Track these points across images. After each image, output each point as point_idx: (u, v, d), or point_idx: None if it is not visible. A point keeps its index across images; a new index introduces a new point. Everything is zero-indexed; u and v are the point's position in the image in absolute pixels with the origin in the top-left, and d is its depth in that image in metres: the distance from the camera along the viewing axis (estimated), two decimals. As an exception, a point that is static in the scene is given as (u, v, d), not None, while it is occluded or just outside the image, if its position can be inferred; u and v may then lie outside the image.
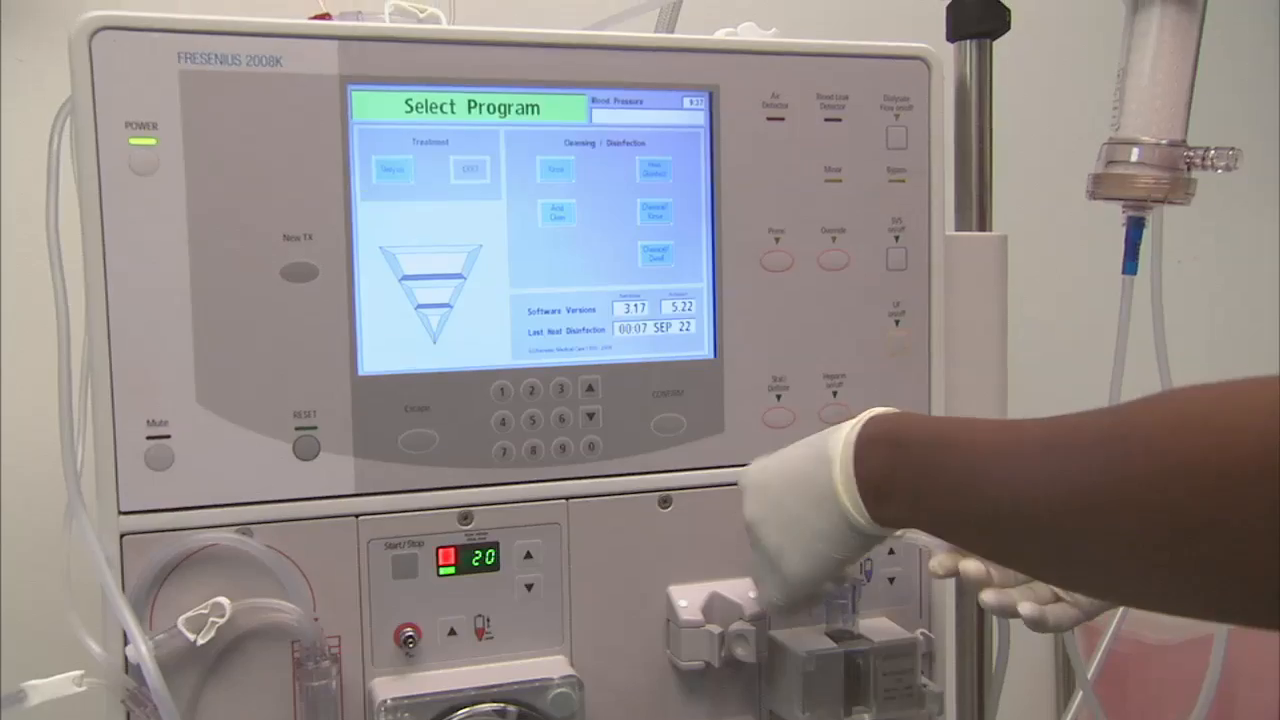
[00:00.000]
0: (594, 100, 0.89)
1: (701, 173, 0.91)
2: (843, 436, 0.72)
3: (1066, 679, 1.82)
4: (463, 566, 0.87)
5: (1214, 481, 0.50)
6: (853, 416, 0.74)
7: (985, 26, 1.06)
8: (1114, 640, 1.10)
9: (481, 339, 0.87)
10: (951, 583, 1.00)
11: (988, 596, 0.73)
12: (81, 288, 0.79)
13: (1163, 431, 0.54)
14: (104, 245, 0.78)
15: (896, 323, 0.96)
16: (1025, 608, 0.72)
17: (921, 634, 0.95)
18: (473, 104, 0.86)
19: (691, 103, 0.91)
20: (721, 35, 0.94)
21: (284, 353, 0.82)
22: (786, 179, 0.92)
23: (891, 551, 0.98)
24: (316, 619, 0.83)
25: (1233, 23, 1.77)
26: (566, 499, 0.89)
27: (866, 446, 0.71)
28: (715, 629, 0.89)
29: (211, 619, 0.79)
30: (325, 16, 0.90)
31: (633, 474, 0.90)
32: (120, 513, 0.79)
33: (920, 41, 0.96)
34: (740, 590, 0.90)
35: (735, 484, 0.83)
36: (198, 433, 0.80)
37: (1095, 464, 0.55)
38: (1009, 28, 1.06)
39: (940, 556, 0.76)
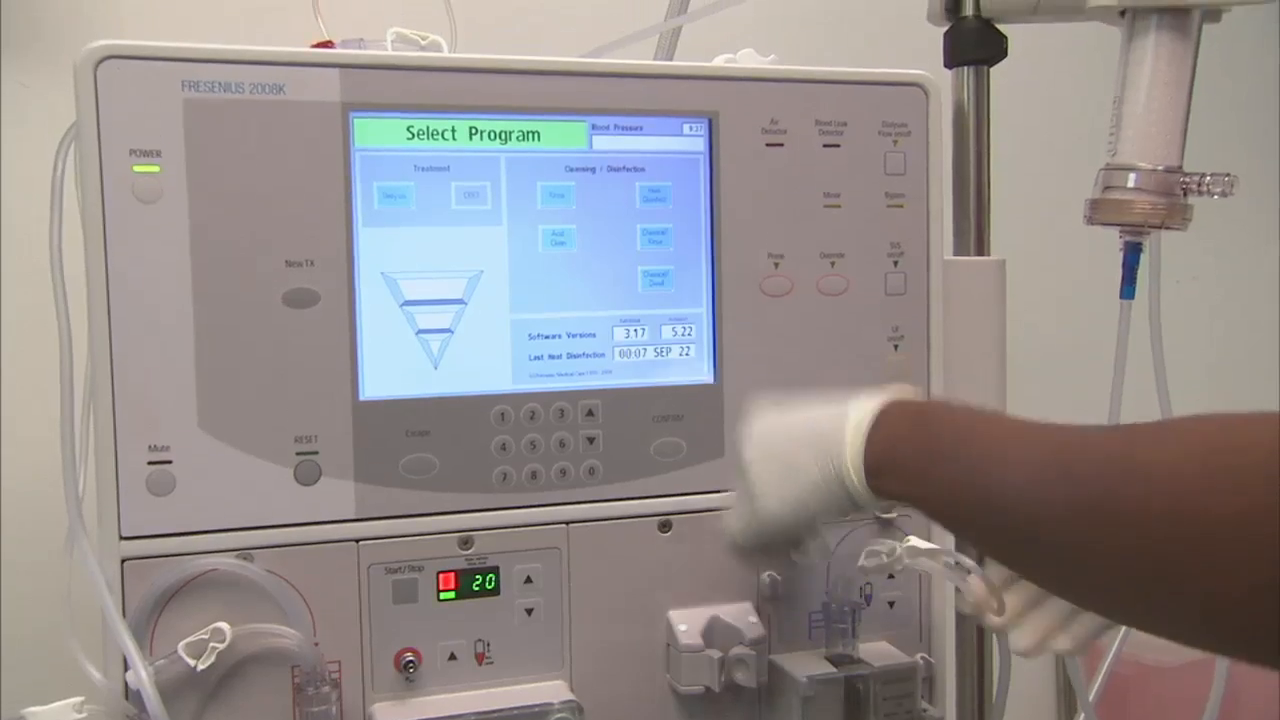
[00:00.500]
0: (594, 127, 0.89)
1: (701, 198, 0.92)
2: (867, 399, 0.72)
3: (1068, 701, 1.82)
4: (463, 591, 0.87)
5: (1214, 527, 0.50)
6: None
7: (983, 53, 1.06)
8: (1115, 662, 1.10)
9: (482, 364, 0.87)
10: (951, 606, 1.00)
11: (1020, 647, 0.73)
12: (84, 312, 0.79)
13: (1168, 465, 0.54)
14: (107, 271, 0.78)
15: (895, 347, 0.97)
16: (1062, 642, 0.72)
17: (921, 658, 0.95)
18: (474, 131, 0.86)
19: (691, 129, 0.91)
20: (721, 62, 0.94)
21: (285, 378, 0.82)
22: (786, 204, 0.93)
23: (892, 576, 0.98)
24: (317, 644, 0.83)
25: (1233, 43, 1.77)
26: (567, 524, 0.89)
27: (889, 416, 0.71)
28: (715, 654, 0.89)
29: (212, 644, 0.79)
30: (327, 44, 0.91)
31: (633, 498, 0.90)
32: (121, 538, 0.80)
33: (918, 68, 0.97)
34: (740, 615, 0.90)
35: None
36: (199, 458, 0.80)
37: (1096, 490, 0.56)
38: (1006, 54, 1.07)
39: (973, 598, 0.74)
